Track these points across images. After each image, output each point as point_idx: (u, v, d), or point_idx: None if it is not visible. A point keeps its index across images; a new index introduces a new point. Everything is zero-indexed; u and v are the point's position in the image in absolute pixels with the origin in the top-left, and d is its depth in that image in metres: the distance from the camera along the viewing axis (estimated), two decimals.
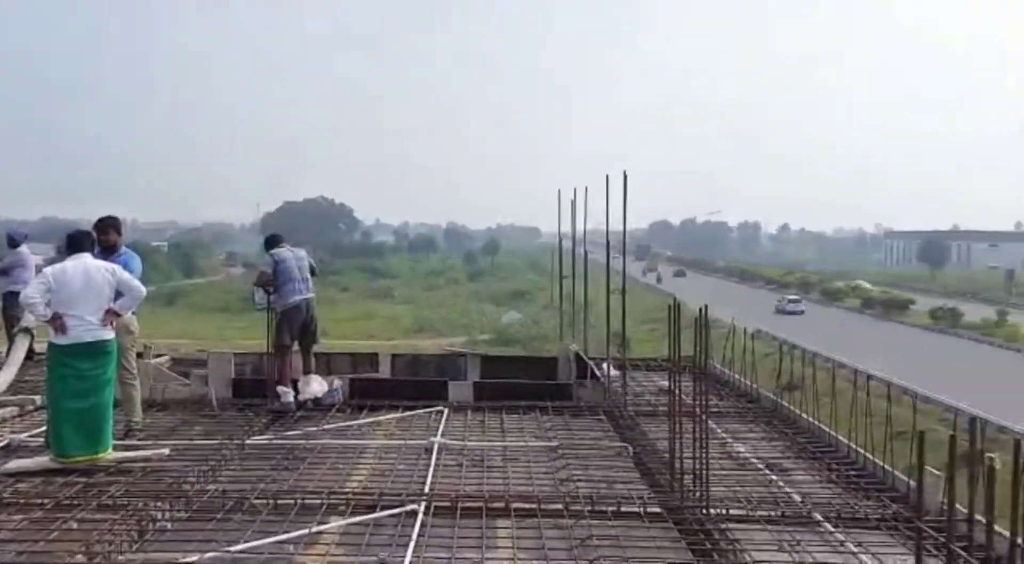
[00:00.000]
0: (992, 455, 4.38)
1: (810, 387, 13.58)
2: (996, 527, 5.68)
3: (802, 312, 66.59)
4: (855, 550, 8.30)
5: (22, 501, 9.12)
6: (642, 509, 9.31)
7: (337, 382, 15.00)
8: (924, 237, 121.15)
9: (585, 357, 17.41)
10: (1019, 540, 5.19)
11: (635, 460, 11.77)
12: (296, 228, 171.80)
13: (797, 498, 9.95)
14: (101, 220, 11.91)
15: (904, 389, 28.52)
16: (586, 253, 19.52)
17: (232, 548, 7.55)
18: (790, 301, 70.88)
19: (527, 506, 9.28)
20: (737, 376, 16.97)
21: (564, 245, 21.24)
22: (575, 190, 18.57)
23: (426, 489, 9.98)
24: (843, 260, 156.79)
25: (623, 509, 9.31)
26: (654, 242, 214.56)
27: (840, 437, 12.11)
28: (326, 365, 17.08)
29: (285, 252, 14.28)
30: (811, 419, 13.22)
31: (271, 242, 14.49)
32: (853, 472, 10.98)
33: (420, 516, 8.89)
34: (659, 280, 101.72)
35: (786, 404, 14.43)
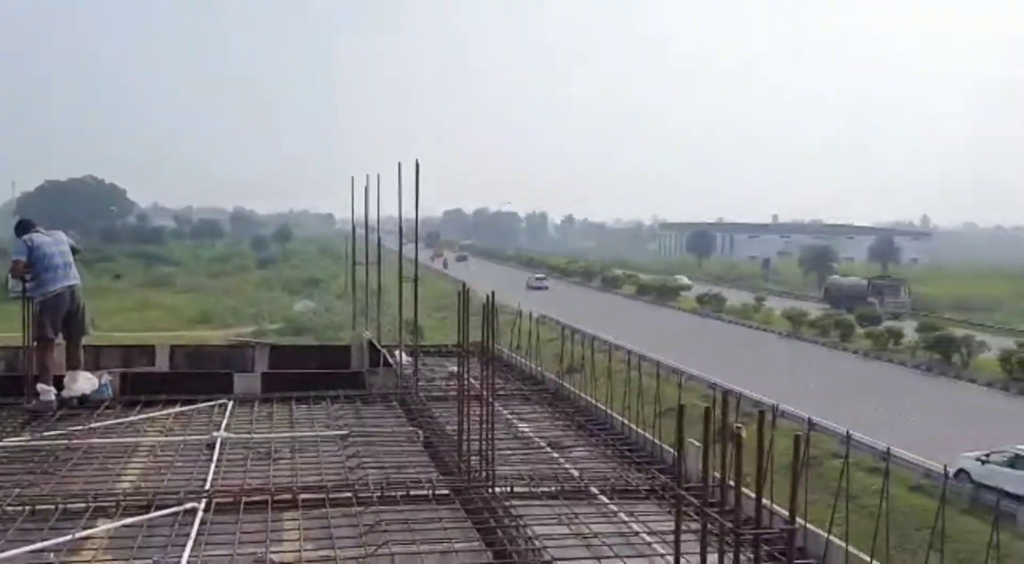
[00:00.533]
0: (739, 425, 4.90)
1: (589, 368, 14.37)
2: (744, 490, 6.34)
3: (546, 288, 79.19)
4: (626, 519, 8.93)
5: None
6: (431, 492, 9.48)
7: (107, 377, 13.94)
8: (693, 229, 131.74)
9: (378, 345, 17.37)
10: (764, 501, 5.85)
11: (425, 444, 11.92)
12: (60, 210, 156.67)
13: (575, 473, 10.53)
14: None
15: (673, 368, 30.94)
16: (379, 240, 19.42)
17: None
18: (536, 279, 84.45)
19: (315, 496, 9.15)
20: (523, 360, 17.63)
21: (358, 232, 21.01)
22: (367, 177, 18.42)
23: (207, 485, 9.56)
24: (621, 249, 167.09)
25: (412, 493, 9.42)
26: (448, 230, 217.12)
27: (615, 414, 12.93)
28: (95, 359, 15.78)
29: (41, 236, 13.05)
30: (589, 398, 14.01)
31: (22, 227, 13.31)
32: (626, 447, 11.78)
33: (200, 514, 8.52)
34: (445, 265, 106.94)
35: (567, 385, 15.20)
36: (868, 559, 7.42)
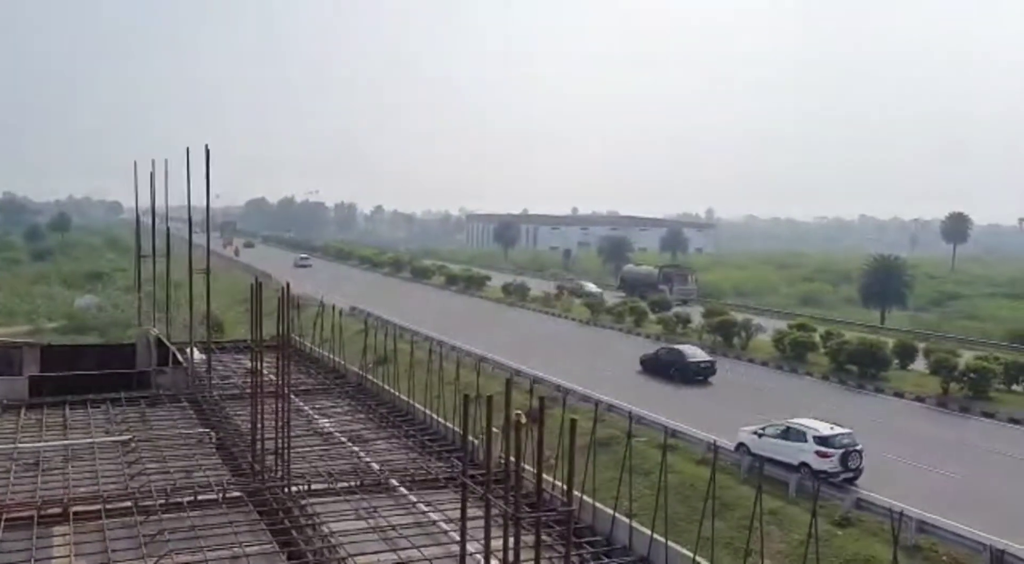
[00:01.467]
0: (519, 412, 5.03)
1: (399, 360, 14.29)
2: (547, 477, 6.53)
3: (310, 265, 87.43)
4: (425, 509, 8.98)
5: None
6: (221, 495, 9.07)
7: None
8: (499, 220, 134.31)
9: (167, 342, 16.36)
10: (557, 483, 6.05)
11: (218, 446, 11.39)
12: None
13: (376, 467, 10.45)
14: None
15: (481, 357, 31.42)
16: (169, 230, 18.26)
17: None
18: (301, 258, 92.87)
19: (90, 508, 8.50)
20: (327, 353, 17.25)
21: (144, 222, 19.62)
22: (153, 162, 17.26)
23: None
24: (430, 240, 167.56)
25: (200, 498, 8.98)
26: (252, 221, 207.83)
27: (417, 405, 12.97)
28: None
29: None
30: (392, 391, 13.95)
31: None
32: (427, 437, 11.84)
33: None
34: (236, 253, 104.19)
35: (370, 377, 15.05)
36: (649, 532, 7.89)
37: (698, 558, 7.57)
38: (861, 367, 31.11)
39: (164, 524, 7.99)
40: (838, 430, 19.73)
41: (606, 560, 8.05)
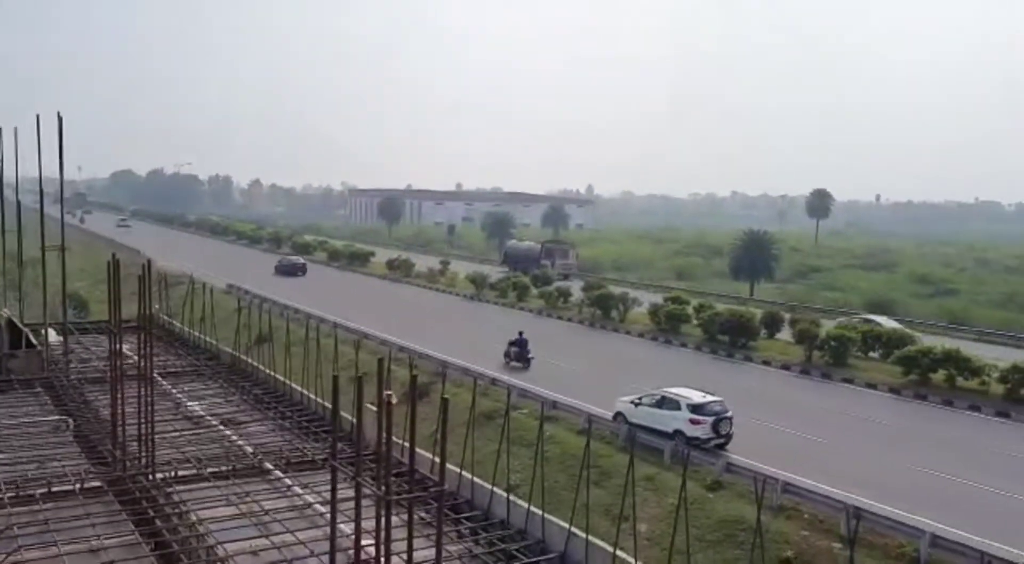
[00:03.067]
0: (389, 392, 4.92)
1: (277, 339, 13.82)
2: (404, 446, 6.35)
3: (129, 227, 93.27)
4: (301, 491, 8.74)
5: None
6: (78, 486, 8.54)
7: None
8: (383, 195, 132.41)
9: (19, 323, 15.28)
10: (433, 457, 5.94)
11: (76, 433, 10.72)
12: None
13: (249, 450, 10.10)
14: None
15: (364, 334, 30.97)
16: (19, 203, 17.01)
17: None
18: (121, 221, 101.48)
19: None
20: (198, 334, 16.53)
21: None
22: (0, 129, 15.97)
23: None
24: (311, 215, 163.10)
25: (55, 489, 8.43)
26: (118, 195, 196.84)
27: (294, 385, 12.61)
28: None
29: None
30: (267, 371, 13.51)
31: None
32: (304, 418, 11.53)
33: None
34: (82, 221, 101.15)
35: (244, 358, 14.52)
36: (526, 505, 7.98)
37: (573, 528, 7.69)
38: (732, 337, 32.48)
39: (13, 518, 7.46)
40: (710, 398, 20.49)
41: (483, 535, 8.06)
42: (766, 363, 30.20)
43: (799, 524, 16.06)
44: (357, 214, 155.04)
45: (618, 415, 21.67)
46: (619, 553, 7.16)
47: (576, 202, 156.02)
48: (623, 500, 8.18)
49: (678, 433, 20.06)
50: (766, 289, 54.98)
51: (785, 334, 33.36)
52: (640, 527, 18.14)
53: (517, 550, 7.60)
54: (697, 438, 19.65)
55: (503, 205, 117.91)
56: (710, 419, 19.87)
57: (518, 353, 28.51)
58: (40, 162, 14.29)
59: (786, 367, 29.45)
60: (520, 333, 28.90)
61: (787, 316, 35.45)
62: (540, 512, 7.78)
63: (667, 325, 35.81)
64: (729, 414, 20.09)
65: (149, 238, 77.33)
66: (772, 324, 34.37)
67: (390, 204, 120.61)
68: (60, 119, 13.43)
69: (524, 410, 21.02)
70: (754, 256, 53.90)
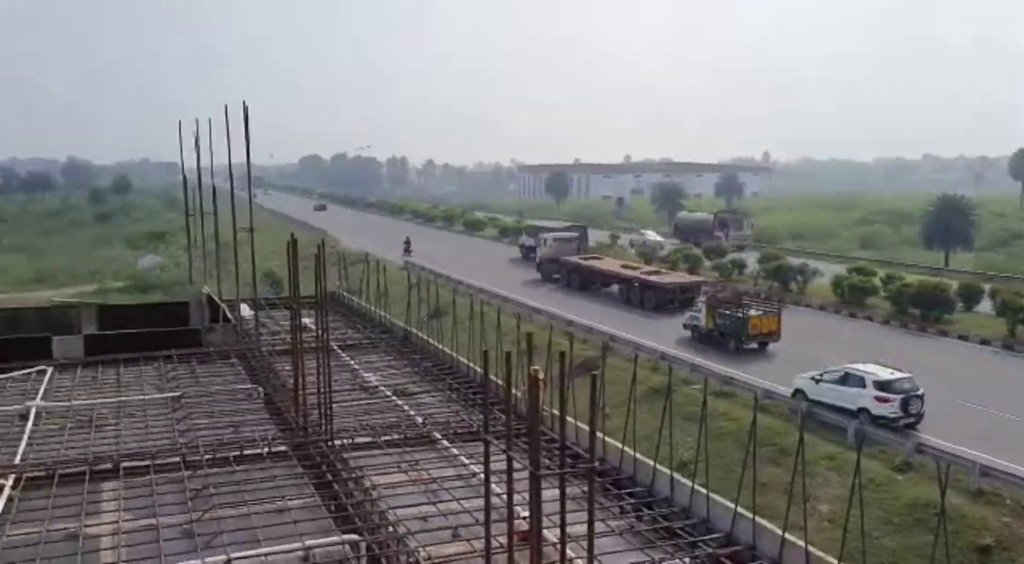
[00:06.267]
0: (536, 368, 4.88)
1: (449, 314, 14.18)
2: (572, 422, 6.35)
3: (325, 209, 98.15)
4: (466, 461, 8.95)
5: None
6: (266, 450, 9.17)
7: None
8: (550, 171, 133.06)
9: (218, 299, 16.60)
10: (588, 429, 5.90)
11: (265, 401, 11.52)
12: None
13: (420, 420, 10.45)
14: None
15: (535, 309, 31.37)
16: (214, 189, 18.37)
17: None
18: (317, 205, 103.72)
19: (139, 464, 8.67)
20: (374, 309, 17.31)
21: (190, 181, 19.73)
22: (197, 121, 17.34)
23: (17, 459, 8.87)
24: (482, 192, 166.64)
25: (246, 453, 9.09)
26: (306, 179, 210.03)
27: (462, 359, 12.92)
28: None
29: None
30: (436, 344, 13.92)
31: None
32: (471, 390, 11.80)
33: (7, 491, 7.89)
34: (266, 192, 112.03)
35: (416, 332, 15.04)
36: (690, 482, 7.75)
37: (739, 508, 7.41)
38: (923, 310, 30.18)
39: (210, 479, 8.10)
40: (898, 375, 19.19)
41: (646, 512, 7.93)
42: (962, 338, 27.87)
43: (1000, 510, 14.78)
44: (525, 190, 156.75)
45: (797, 392, 20.76)
46: (787, 536, 6.82)
47: (751, 170, 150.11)
48: (792, 480, 7.78)
49: (863, 411, 18.98)
50: (963, 259, 50.60)
51: (985, 307, 30.61)
52: (821, 508, 17.41)
53: (681, 528, 7.43)
54: (884, 417, 18.50)
55: (673, 176, 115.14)
56: (898, 397, 18.65)
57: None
58: (230, 149, 15.41)
59: (985, 342, 27.07)
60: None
61: (987, 287, 32.53)
62: (704, 490, 7.55)
63: (851, 297, 33.83)
64: (920, 392, 18.74)
65: (335, 220, 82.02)
66: (970, 296, 31.61)
67: (558, 179, 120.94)
68: (246, 109, 14.34)
69: (696, 385, 20.57)
70: (949, 223, 49.52)
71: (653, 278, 35.47)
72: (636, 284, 35.23)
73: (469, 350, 12.87)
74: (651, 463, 8.34)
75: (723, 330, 26.85)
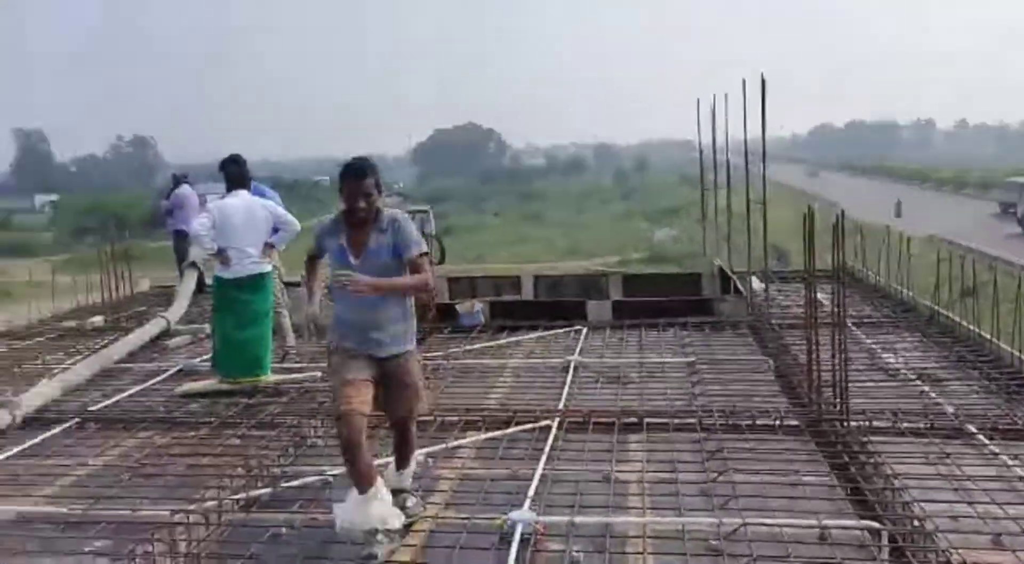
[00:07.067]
0: None
1: (988, 294, 12.54)
2: None
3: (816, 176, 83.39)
4: (1011, 463, 7.81)
5: (192, 420, 10.10)
6: (778, 422, 9.13)
7: (478, 305, 15.43)
8: None
9: (729, 271, 17.00)
10: None
11: (776, 374, 11.49)
12: (446, 156, 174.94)
13: (949, 410, 9.42)
14: (229, 158, 11.11)
15: None
16: (729, 162, 18.76)
17: (376, 461, 7.98)
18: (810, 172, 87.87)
19: (660, 421, 9.32)
20: (894, 285, 16.06)
21: (710, 156, 20.43)
22: (714, 97, 17.83)
23: (560, 405, 10.20)
24: None
25: (758, 423, 9.17)
26: (815, 149, 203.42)
27: (1003, 345, 11.28)
28: (470, 289, 17.67)
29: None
30: (971, 327, 12.35)
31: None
32: (1016, 382, 10.24)
33: (553, 431, 9.11)
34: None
35: (945, 312, 13.55)
36: None
37: None
38: None
39: (724, 443, 8.36)
40: None
41: None
42: None
43: None
44: None
45: None
46: None
47: None
48: None
49: None
50: None
51: None
52: None
53: None
54: None
55: None
56: None
57: None
58: (745, 123, 15.54)
59: None
60: None
61: None
62: None
63: None
64: None
65: (847, 189, 77.96)
66: None
67: None
68: (763, 81, 14.28)
69: None
70: None
71: None
72: None
73: (1014, 336, 11.16)
74: None
75: None
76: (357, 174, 6.07)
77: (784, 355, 12.09)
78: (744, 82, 15.30)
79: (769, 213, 14.97)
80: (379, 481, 6.27)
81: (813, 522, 6.49)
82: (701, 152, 20.10)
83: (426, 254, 6.39)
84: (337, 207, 6.42)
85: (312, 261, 6.86)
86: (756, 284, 16.26)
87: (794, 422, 9.21)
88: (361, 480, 6.00)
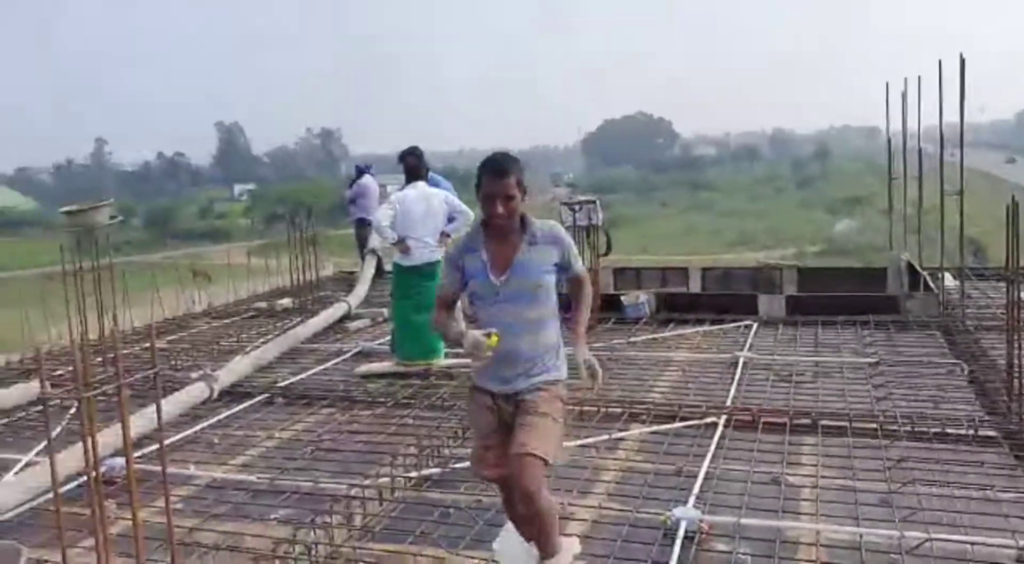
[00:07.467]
0: None
1: None
2: None
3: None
4: None
5: (370, 399, 10.63)
6: (972, 432, 8.43)
7: (644, 296, 15.25)
8: None
9: (918, 267, 15.88)
10: None
11: (970, 379, 10.61)
12: (616, 146, 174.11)
13: None
14: (408, 151, 11.52)
15: None
16: (920, 150, 17.49)
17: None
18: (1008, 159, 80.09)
19: (836, 424, 8.84)
20: None
21: (899, 143, 19.19)
22: (906, 81, 16.65)
23: (728, 402, 9.91)
24: None
25: (948, 431, 8.50)
26: (1018, 135, 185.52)
27: None
28: (636, 280, 17.48)
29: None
30: None
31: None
32: None
33: (720, 428, 8.87)
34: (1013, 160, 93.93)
35: None
36: None
37: None
38: None
39: (909, 452, 7.82)
40: None
41: None
42: None
43: None
44: None
45: None
46: None
47: None
48: None
49: None
50: None
51: None
52: None
53: None
54: None
55: None
56: None
57: None
58: (941, 109, 14.38)
59: None
60: None
61: None
62: None
63: None
64: None
65: None
66: None
67: None
68: (963, 62, 13.20)
69: None
70: None
71: None
72: None
73: None
74: None
75: None
76: (497, 171, 4.83)
77: (980, 359, 11.15)
78: (940, 63, 14.20)
79: (976, 206, 13.84)
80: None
81: (1010, 542, 5.95)
82: (889, 139, 18.84)
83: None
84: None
85: (448, 308, 5.27)
86: (949, 281, 15.07)
87: (990, 432, 8.47)
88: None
